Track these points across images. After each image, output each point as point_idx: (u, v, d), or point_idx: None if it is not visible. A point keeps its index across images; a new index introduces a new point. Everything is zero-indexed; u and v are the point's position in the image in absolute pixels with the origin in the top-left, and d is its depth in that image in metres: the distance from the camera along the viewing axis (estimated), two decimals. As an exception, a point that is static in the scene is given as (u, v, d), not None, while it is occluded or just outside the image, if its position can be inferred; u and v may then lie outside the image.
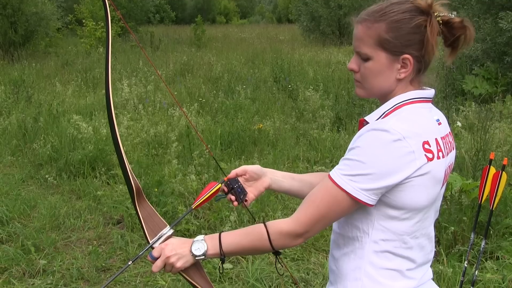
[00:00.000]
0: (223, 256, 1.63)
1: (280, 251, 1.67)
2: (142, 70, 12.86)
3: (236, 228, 4.57)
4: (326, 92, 10.13)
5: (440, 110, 1.76)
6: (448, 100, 8.32)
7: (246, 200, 1.88)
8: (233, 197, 1.86)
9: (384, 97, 1.65)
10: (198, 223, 4.81)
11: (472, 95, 9.29)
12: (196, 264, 1.69)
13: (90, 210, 5.33)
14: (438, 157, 1.54)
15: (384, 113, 1.61)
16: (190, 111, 8.42)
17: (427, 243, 1.69)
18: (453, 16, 1.65)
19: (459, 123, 6.34)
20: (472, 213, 4.15)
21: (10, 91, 9.88)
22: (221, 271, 1.86)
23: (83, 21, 20.08)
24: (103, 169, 6.08)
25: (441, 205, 4.22)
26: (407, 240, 1.60)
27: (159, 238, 1.69)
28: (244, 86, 10.46)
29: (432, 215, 1.67)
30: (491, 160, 2.92)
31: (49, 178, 5.97)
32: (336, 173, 1.53)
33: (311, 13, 25.78)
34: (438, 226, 4.20)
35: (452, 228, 4.09)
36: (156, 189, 5.17)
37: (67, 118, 7.81)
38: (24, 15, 17.47)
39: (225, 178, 1.88)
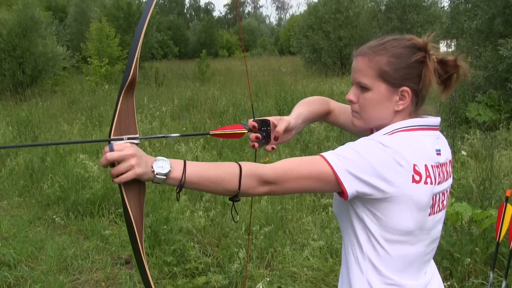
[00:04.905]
0: (182, 183, 1.49)
1: (238, 198, 1.58)
2: (147, 107, 12.94)
3: (244, 265, 4.54)
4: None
5: (445, 138, 1.79)
6: (452, 128, 8.33)
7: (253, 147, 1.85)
8: (253, 136, 1.84)
9: (380, 129, 1.70)
10: (206, 261, 4.78)
11: (476, 122, 9.30)
12: (141, 188, 1.54)
13: (98, 250, 5.32)
14: (426, 182, 1.57)
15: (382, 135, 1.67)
16: (196, 146, 8.44)
17: (422, 267, 1.74)
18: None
19: (464, 152, 6.33)
20: (484, 244, 4.11)
21: (17, 131, 9.95)
22: (177, 199, 1.66)
23: (88, 59, 20.32)
24: (112, 207, 6.08)
25: (451, 235, 4.20)
26: (399, 263, 1.64)
27: (122, 139, 1.51)
28: (249, 119, 10.48)
29: (425, 242, 1.69)
30: (507, 198, 2.89)
31: (56, 219, 5.96)
32: (326, 152, 1.57)
33: (312, 45, 26.11)
34: (450, 258, 4.17)
35: (468, 259, 4.04)
36: (165, 226, 5.16)
37: (74, 157, 7.84)
38: (32, 55, 17.73)
39: (252, 123, 1.84)
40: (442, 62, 1.68)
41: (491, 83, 10.14)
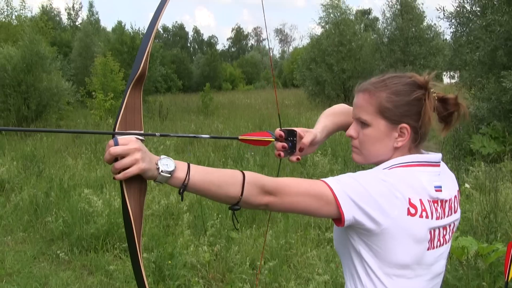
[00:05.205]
0: (186, 183, 1.45)
1: (238, 206, 1.54)
2: (151, 140, 12.99)
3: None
4: (335, 156, 10.18)
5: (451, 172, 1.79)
6: (456, 160, 8.32)
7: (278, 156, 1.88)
8: (279, 145, 1.85)
9: (380, 164, 1.72)
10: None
11: (480, 154, 9.29)
12: (142, 188, 1.50)
13: (102, 286, 5.29)
14: (421, 216, 1.57)
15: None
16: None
17: None
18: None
19: (468, 185, 6.32)
20: (491, 279, 4.07)
21: (22, 166, 9.98)
22: (182, 200, 1.60)
23: (93, 93, 20.47)
24: (117, 243, 6.07)
25: (457, 269, 4.17)
26: None
27: (126, 134, 1.46)
28: (253, 153, 10.52)
29: (425, 277, 1.67)
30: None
31: (60, 254, 5.94)
32: (326, 178, 1.59)
33: (315, 77, 26.30)
34: (456, 293, 4.13)
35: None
36: (169, 262, 5.14)
37: (78, 192, 7.84)
38: (37, 90, 17.89)
39: (278, 132, 1.87)
40: (442, 100, 1.71)
41: (495, 115, 10.16)
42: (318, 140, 1.93)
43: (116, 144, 1.41)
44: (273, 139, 1.85)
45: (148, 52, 1.54)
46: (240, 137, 1.79)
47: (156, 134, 1.53)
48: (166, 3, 1.62)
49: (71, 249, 6.15)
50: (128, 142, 1.42)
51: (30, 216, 7.33)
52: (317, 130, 1.95)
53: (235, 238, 5.97)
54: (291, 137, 1.87)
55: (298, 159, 1.91)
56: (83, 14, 53.02)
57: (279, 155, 1.88)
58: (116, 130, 1.47)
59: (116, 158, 1.42)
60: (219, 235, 5.97)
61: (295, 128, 1.91)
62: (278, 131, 1.88)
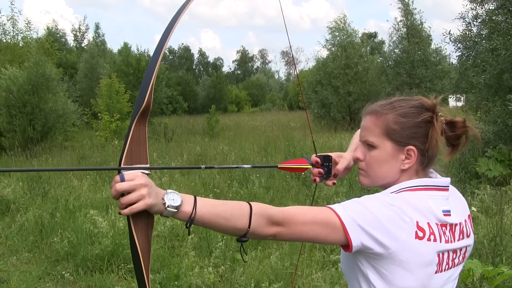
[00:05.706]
0: (192, 217, 1.45)
1: (246, 238, 1.54)
2: (156, 162, 13.03)
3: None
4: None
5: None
6: (462, 183, 8.31)
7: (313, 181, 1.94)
8: (315, 171, 1.91)
9: (387, 187, 1.72)
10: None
11: (486, 177, 9.27)
12: (149, 222, 1.50)
13: (107, 307, 5.27)
14: (429, 239, 1.56)
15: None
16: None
17: None
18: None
19: (474, 208, 6.31)
20: (496, 302, 4.05)
21: (27, 187, 10.01)
22: (189, 234, 1.58)
23: (99, 114, 20.59)
24: (122, 263, 6.06)
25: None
26: None
27: (133, 169, 1.46)
28: (258, 175, 10.52)
29: None
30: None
31: (65, 275, 5.94)
32: (332, 204, 1.60)
33: (321, 100, 26.37)
34: (461, 316, 4.10)
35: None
36: (175, 283, 5.13)
37: (84, 213, 7.86)
38: (42, 112, 18.00)
39: (315, 158, 1.93)
40: (450, 123, 1.70)
41: (501, 138, 10.16)
42: (352, 165, 1.99)
43: (122, 179, 1.41)
44: (310, 166, 1.92)
45: (152, 83, 1.53)
46: (279, 166, 1.87)
47: (202, 166, 1.55)
48: (172, 31, 1.63)
49: (76, 270, 6.14)
50: (134, 178, 1.42)
51: (35, 236, 7.33)
52: (351, 154, 2.00)
53: (240, 259, 5.96)
54: (326, 162, 1.95)
55: (334, 183, 1.97)
56: (89, 36, 53.48)
57: (315, 180, 1.94)
58: (122, 165, 1.47)
59: (123, 193, 1.43)
60: (224, 257, 5.97)
61: (330, 154, 1.98)
62: (314, 157, 1.95)
